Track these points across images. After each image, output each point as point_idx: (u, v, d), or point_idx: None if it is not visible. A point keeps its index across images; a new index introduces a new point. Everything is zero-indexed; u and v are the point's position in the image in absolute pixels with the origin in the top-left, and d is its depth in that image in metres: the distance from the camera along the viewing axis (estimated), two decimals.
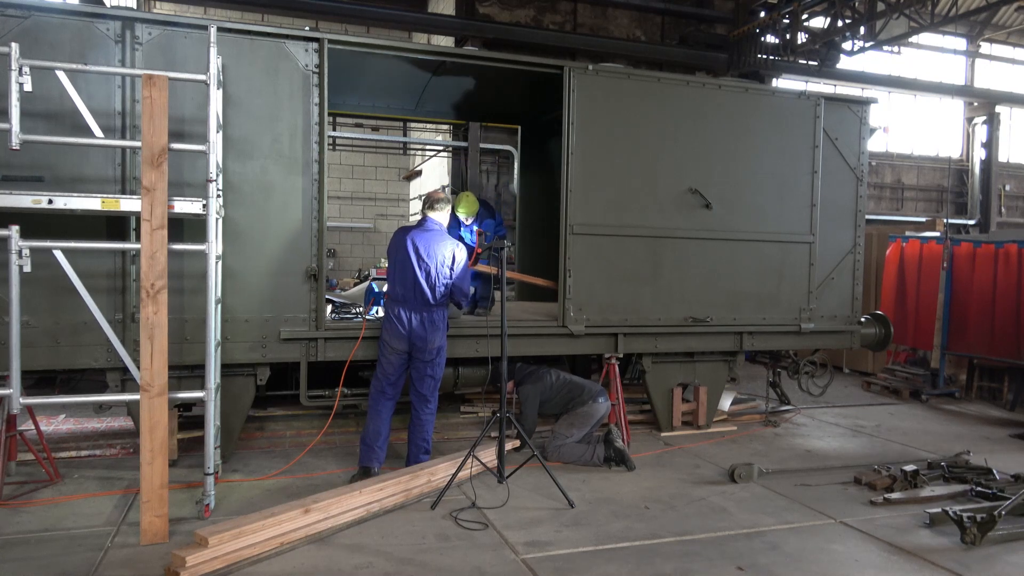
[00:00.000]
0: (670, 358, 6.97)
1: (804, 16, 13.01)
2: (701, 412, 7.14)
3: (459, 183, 13.83)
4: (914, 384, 9.50)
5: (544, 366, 6.35)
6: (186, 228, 5.19)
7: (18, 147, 4.26)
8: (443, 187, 4.99)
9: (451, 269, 5.41)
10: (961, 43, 18.83)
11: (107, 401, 4.98)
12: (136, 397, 4.73)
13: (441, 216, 5.56)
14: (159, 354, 4.30)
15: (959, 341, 9.43)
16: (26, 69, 4.21)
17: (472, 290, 7.41)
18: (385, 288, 5.71)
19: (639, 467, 5.84)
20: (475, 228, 7.09)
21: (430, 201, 5.55)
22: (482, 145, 13.16)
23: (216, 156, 4.67)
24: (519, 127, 9.54)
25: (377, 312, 6.25)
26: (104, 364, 5.14)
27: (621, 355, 6.61)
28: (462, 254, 5.50)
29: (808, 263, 7.16)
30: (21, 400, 4.39)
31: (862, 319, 7.63)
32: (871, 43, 12.91)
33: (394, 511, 4.77)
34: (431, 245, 5.36)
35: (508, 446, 5.58)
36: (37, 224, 4.61)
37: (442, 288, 5.37)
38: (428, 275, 5.30)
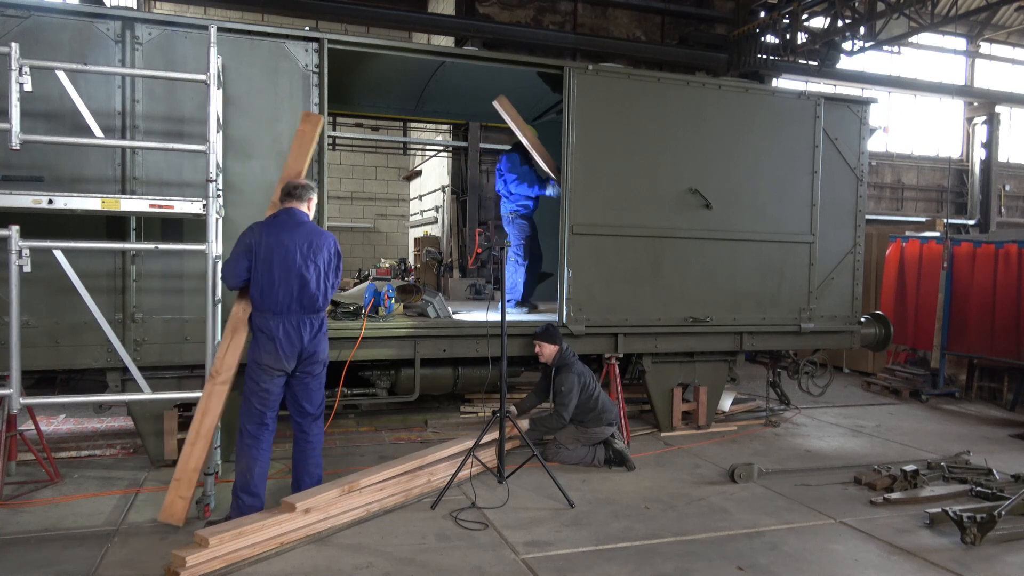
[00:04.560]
0: (670, 358, 6.97)
1: (804, 16, 13.00)
2: (701, 412, 7.14)
3: (459, 183, 13.83)
4: (914, 384, 9.50)
5: (583, 363, 6.09)
6: (186, 228, 5.19)
7: (18, 147, 4.26)
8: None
9: (338, 269, 4.67)
10: (961, 43, 18.81)
11: (107, 401, 4.99)
12: (136, 397, 4.75)
13: (306, 207, 4.66)
14: (235, 349, 4.52)
15: (959, 341, 9.42)
16: (26, 69, 4.21)
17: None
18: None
19: (639, 467, 5.84)
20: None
21: (290, 188, 4.62)
22: (482, 145, 13.16)
23: (216, 156, 4.67)
24: None
25: (378, 312, 6.23)
26: (104, 364, 5.13)
27: (621, 355, 6.62)
28: (339, 248, 4.74)
29: (808, 263, 7.16)
30: (21, 400, 4.39)
31: (862, 319, 7.63)
32: (871, 43, 12.90)
33: (394, 511, 4.77)
34: (313, 239, 4.51)
35: (509, 445, 5.57)
36: (37, 224, 4.61)
37: (331, 290, 4.63)
38: (317, 276, 4.49)
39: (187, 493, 4.32)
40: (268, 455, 4.55)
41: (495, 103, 6.98)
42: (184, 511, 4.31)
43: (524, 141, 7.04)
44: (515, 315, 6.92)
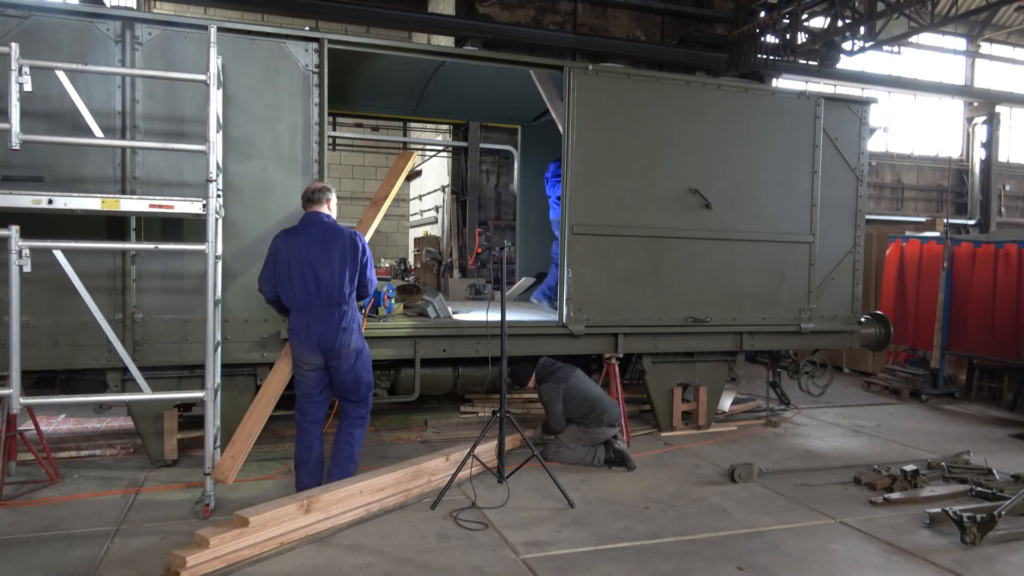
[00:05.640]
0: (670, 358, 6.97)
1: (804, 16, 13.01)
2: (701, 412, 7.14)
3: (459, 183, 13.83)
4: (914, 384, 9.50)
5: (570, 365, 6.12)
6: (186, 228, 5.19)
7: (18, 147, 4.26)
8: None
9: (356, 261, 4.83)
10: (961, 43, 18.82)
11: (107, 401, 4.98)
12: (136, 397, 4.73)
13: (326, 208, 4.94)
14: None
15: (959, 341, 9.42)
16: (26, 69, 4.21)
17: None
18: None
19: (639, 467, 5.84)
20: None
21: (308, 194, 4.93)
22: (482, 145, 13.16)
23: (216, 156, 4.67)
24: (519, 127, 9.55)
25: (378, 312, 6.23)
26: (104, 364, 5.14)
27: (621, 355, 6.61)
28: (362, 242, 4.93)
29: (808, 263, 7.16)
30: (21, 400, 4.38)
31: (862, 319, 7.63)
32: (871, 43, 12.90)
33: (394, 511, 4.77)
34: (326, 237, 4.78)
35: (508, 446, 5.57)
36: (37, 224, 4.61)
37: (348, 283, 4.80)
38: (332, 271, 4.73)
39: (238, 454, 4.68)
40: (315, 445, 4.88)
41: (532, 72, 7.04)
42: (232, 470, 4.64)
43: (556, 119, 7.04)
44: (515, 315, 6.93)
